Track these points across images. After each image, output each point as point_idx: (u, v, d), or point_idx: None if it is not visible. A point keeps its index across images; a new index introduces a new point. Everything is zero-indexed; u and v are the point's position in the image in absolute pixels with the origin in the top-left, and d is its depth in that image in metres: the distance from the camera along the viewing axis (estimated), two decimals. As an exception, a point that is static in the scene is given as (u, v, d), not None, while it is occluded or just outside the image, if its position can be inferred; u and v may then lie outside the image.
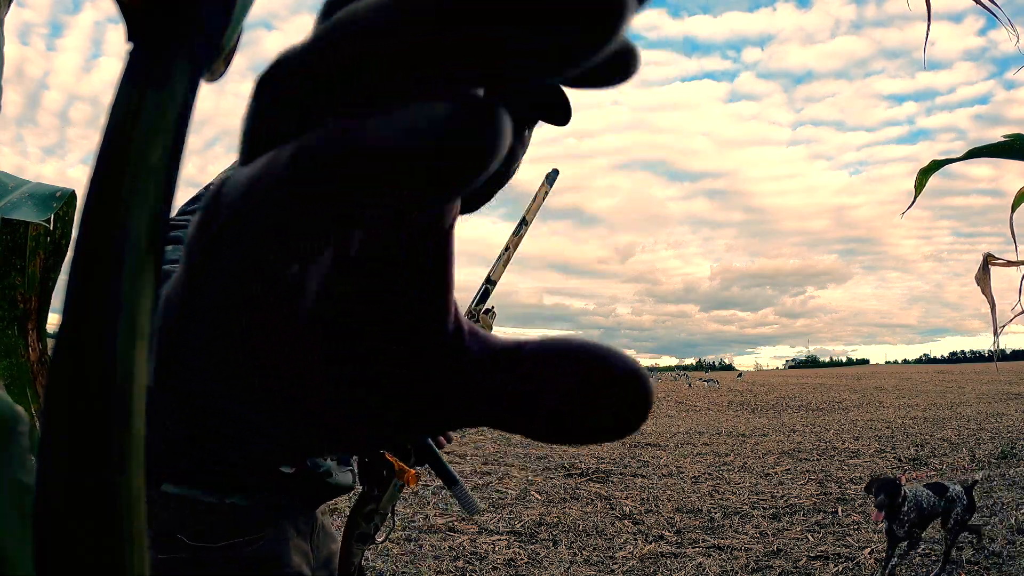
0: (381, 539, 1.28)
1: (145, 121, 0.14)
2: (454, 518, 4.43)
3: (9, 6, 0.59)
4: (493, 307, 1.22)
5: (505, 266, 1.18)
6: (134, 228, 0.14)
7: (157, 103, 0.14)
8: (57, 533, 0.13)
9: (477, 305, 1.20)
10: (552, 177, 1.18)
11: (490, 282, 1.18)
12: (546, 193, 1.17)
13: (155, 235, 0.14)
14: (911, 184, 1.69)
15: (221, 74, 0.17)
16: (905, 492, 3.45)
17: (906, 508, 3.41)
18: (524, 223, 1.15)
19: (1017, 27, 1.39)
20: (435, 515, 4.48)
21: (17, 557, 0.19)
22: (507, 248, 1.16)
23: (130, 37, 0.15)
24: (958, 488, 3.61)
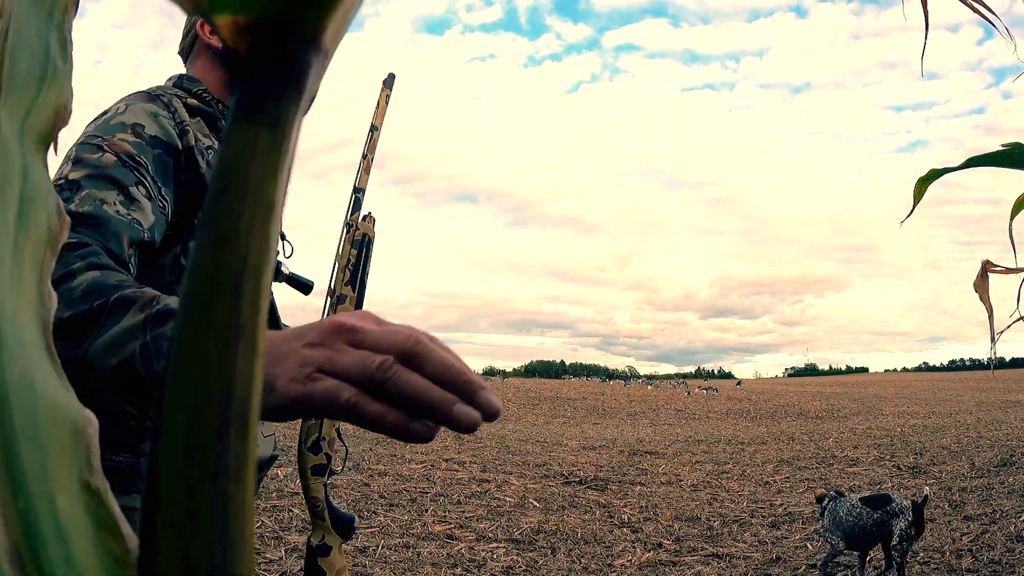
0: (339, 468, 1.27)
1: (261, 159, 0.15)
2: (453, 525, 4.42)
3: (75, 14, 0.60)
4: (370, 212, 1.27)
5: (368, 173, 1.24)
6: (252, 256, 0.15)
7: (272, 142, 0.15)
8: (171, 536, 0.14)
9: (352, 215, 1.24)
10: (389, 81, 1.28)
11: (358, 191, 1.24)
12: (387, 97, 1.26)
13: (267, 262, 0.15)
14: (909, 193, 1.70)
15: (307, 110, 0.17)
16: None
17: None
18: (373, 128, 1.23)
19: (1015, 36, 1.40)
20: (433, 522, 4.47)
21: (85, 556, 0.19)
22: (364, 156, 1.23)
23: (234, 80, 0.16)
24: (905, 503, 3.39)
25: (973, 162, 1.53)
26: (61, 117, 0.26)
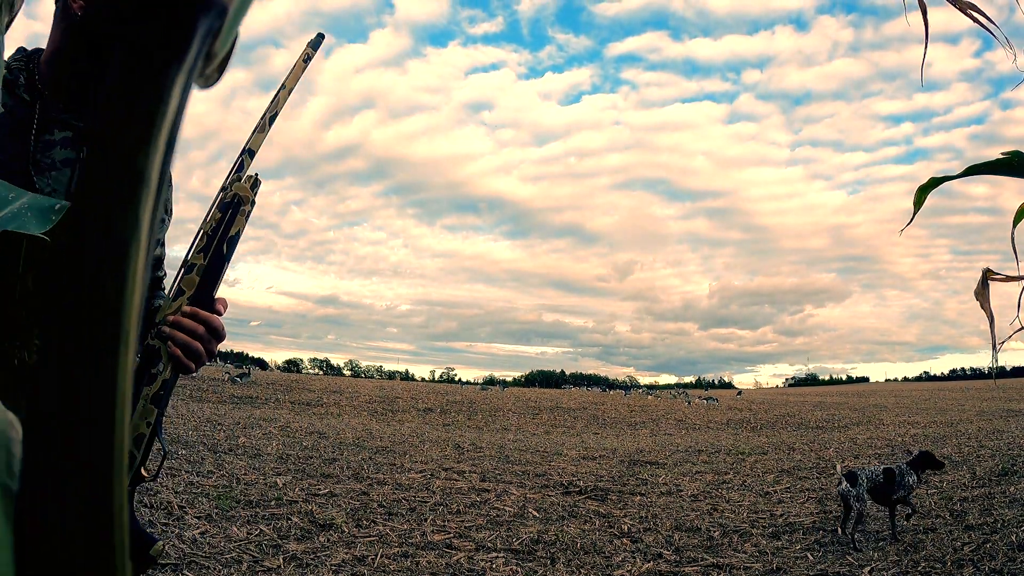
0: (150, 476, 1.04)
1: (132, 126, 0.14)
2: (452, 535, 4.40)
3: (11, 18, 0.60)
4: (256, 175, 1.11)
5: (263, 133, 1.10)
6: (116, 229, 0.14)
7: (147, 108, 0.14)
8: (48, 531, 0.14)
9: (236, 173, 1.09)
10: (315, 42, 1.16)
11: (248, 153, 1.10)
12: (308, 57, 1.14)
13: (135, 236, 0.14)
14: (909, 203, 1.70)
15: (215, 80, 0.16)
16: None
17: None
18: (283, 87, 1.11)
19: (1015, 46, 1.41)
20: (432, 531, 4.45)
21: (2, 556, 0.19)
22: (263, 116, 1.10)
23: (117, 44, 0.14)
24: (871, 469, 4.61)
25: (973, 170, 1.53)
26: None
